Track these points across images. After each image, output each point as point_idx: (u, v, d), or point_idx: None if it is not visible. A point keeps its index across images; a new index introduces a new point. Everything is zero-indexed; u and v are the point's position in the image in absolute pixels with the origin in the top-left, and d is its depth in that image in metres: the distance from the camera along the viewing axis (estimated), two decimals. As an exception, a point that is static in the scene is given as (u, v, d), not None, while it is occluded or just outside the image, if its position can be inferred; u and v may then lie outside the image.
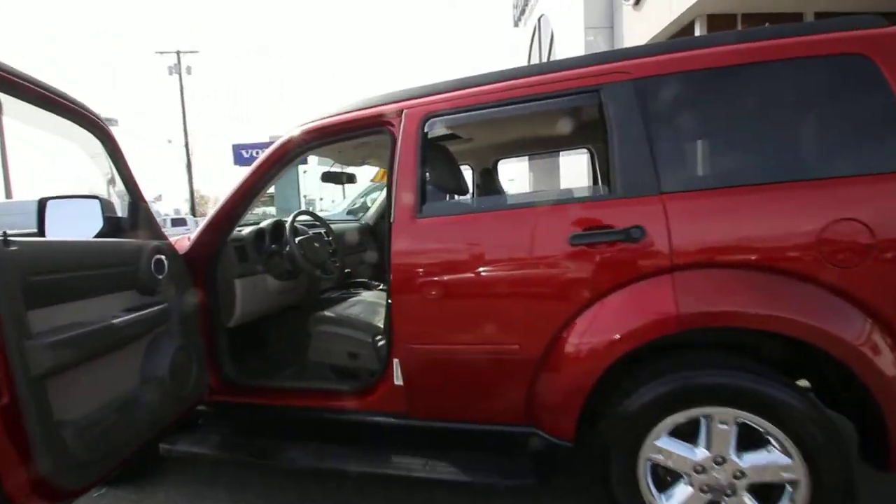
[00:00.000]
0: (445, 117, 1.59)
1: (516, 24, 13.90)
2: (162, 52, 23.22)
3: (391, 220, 1.58)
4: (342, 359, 1.91)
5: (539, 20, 11.47)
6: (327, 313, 1.97)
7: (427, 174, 1.61)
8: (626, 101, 1.38)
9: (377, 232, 3.27)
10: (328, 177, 2.50)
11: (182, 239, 1.89)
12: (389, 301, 1.59)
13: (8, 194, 13.26)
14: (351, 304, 2.13)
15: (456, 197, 1.95)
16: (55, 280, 1.14)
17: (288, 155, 1.79)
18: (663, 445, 1.33)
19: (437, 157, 1.72)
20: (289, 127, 1.81)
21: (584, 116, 2.07)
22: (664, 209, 1.29)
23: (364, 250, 3.07)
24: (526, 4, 12.66)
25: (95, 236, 1.49)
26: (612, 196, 1.36)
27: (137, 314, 1.40)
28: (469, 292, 1.48)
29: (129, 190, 1.52)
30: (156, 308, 1.50)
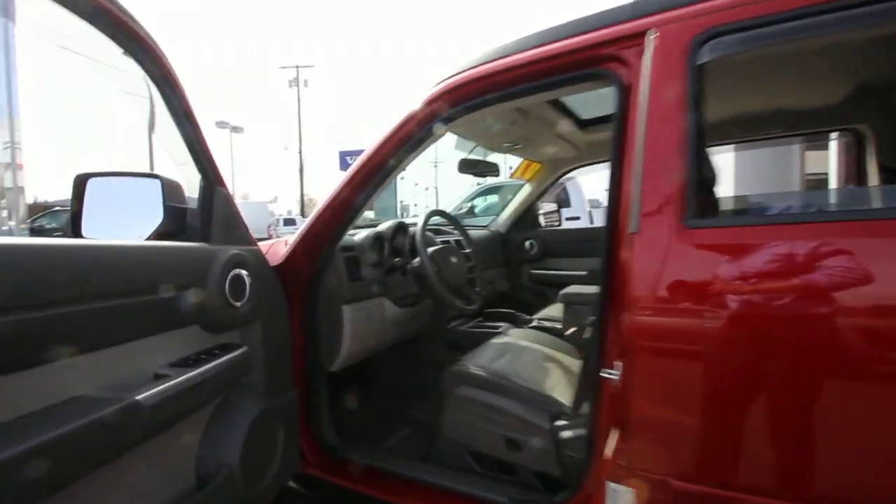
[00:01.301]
0: (750, 33, 0.81)
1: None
2: (284, 67, 25.31)
3: (626, 230, 0.85)
4: (494, 444, 1.21)
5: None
6: (472, 369, 1.28)
7: (704, 148, 0.85)
8: None
9: (510, 243, 2.56)
10: (466, 166, 1.85)
11: (277, 244, 1.33)
12: (607, 371, 0.87)
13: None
14: (499, 351, 1.43)
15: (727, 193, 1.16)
16: (32, 322, 0.58)
17: (420, 128, 1.14)
18: None
19: (723, 118, 0.95)
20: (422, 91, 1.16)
21: None
22: None
23: (496, 267, 2.38)
24: None
25: (152, 235, 0.96)
26: None
27: (195, 372, 0.82)
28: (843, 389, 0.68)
29: (201, 166, 0.97)
30: (229, 356, 0.93)
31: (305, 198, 26.28)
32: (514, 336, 1.59)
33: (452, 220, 1.70)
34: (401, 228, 1.61)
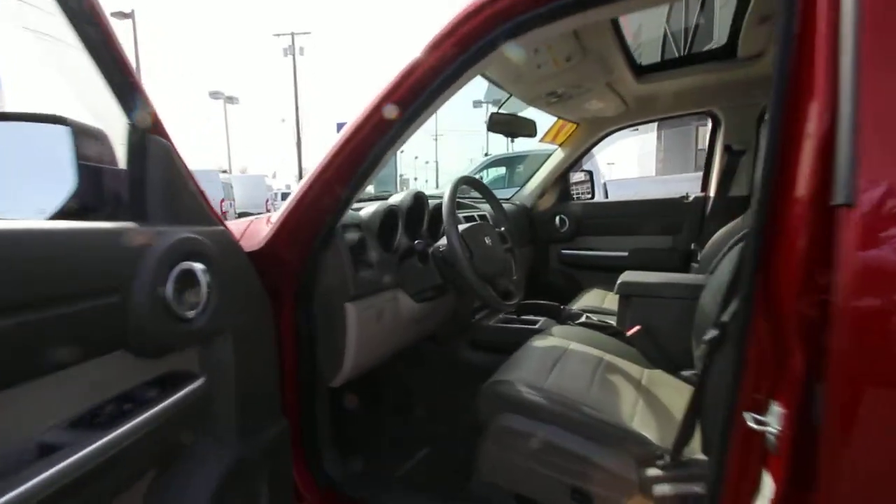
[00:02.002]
0: None
1: None
2: (278, 35, 24.29)
3: (821, 201, 0.51)
4: (553, 494, 0.90)
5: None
6: (520, 389, 0.96)
7: None
8: None
9: (537, 219, 2.22)
10: (497, 123, 1.50)
11: (257, 221, 1.00)
12: (756, 417, 0.57)
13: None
14: (546, 360, 1.12)
15: None
16: None
17: (469, 45, 0.77)
18: None
19: None
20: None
21: None
22: None
23: (522, 246, 2.05)
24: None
25: (59, 210, 0.62)
26: None
27: (112, 436, 0.51)
28: None
29: (124, 101, 0.62)
30: (177, 396, 0.61)
31: (304, 172, 25.68)
32: (559, 336, 1.27)
33: (484, 189, 1.36)
34: (419, 201, 1.27)
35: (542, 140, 2.06)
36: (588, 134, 2.02)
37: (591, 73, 1.36)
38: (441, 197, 1.15)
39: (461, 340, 1.53)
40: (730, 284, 0.70)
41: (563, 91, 1.45)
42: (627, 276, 1.37)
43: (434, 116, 0.91)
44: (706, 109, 1.80)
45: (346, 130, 0.89)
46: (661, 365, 1.21)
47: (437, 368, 1.47)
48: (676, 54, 1.63)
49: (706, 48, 1.55)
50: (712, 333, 0.71)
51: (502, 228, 1.36)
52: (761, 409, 0.59)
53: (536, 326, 1.46)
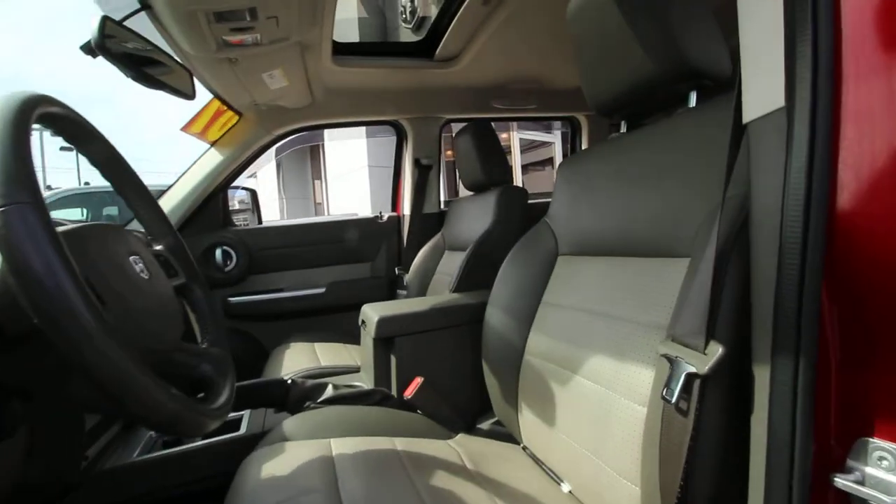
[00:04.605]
0: None
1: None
2: None
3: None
4: None
5: None
6: None
7: None
8: None
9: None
10: (111, 42, 0.76)
11: None
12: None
13: None
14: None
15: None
16: None
17: None
18: None
19: None
20: None
21: None
22: None
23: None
24: None
25: None
26: None
27: None
28: None
29: None
30: None
31: None
32: (303, 438, 0.68)
33: (103, 148, 0.57)
34: None
35: (184, 129, 1.34)
36: (254, 132, 1.47)
37: (292, 6, 0.87)
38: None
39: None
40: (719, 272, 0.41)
41: (248, 25, 0.88)
42: (373, 311, 0.94)
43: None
44: (392, 119, 1.64)
45: None
46: (454, 425, 0.84)
47: None
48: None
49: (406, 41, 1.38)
50: (714, 352, 0.39)
51: (159, 247, 0.65)
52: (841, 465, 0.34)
53: (240, 434, 0.79)
